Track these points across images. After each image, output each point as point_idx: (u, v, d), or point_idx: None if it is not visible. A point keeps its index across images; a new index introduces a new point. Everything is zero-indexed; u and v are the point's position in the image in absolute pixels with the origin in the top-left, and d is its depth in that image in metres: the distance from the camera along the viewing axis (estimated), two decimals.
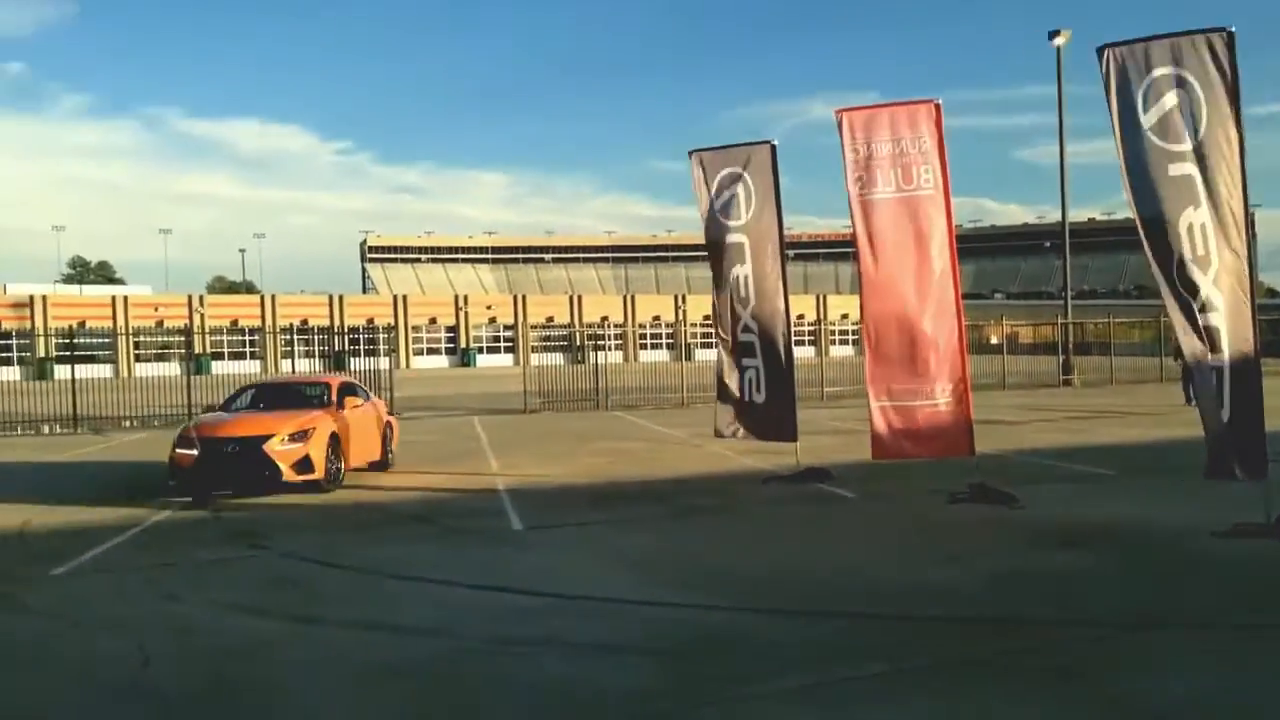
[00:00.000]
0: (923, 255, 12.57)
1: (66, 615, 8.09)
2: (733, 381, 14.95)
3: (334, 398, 15.55)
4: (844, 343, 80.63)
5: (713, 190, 14.90)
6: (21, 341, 71.20)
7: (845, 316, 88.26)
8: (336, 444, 14.40)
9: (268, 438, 13.70)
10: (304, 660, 6.83)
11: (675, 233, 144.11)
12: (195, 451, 13.64)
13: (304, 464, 13.71)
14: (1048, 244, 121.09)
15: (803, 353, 18.65)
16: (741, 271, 14.67)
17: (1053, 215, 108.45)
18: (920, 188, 12.55)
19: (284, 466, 13.55)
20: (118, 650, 7.06)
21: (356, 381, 17.97)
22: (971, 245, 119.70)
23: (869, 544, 10.26)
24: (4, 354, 71.69)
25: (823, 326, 64.62)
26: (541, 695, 6.03)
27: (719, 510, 12.49)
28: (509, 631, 7.34)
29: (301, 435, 13.88)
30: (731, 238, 14.74)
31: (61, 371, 54.10)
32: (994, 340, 43.50)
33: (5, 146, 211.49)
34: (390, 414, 18.06)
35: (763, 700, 5.84)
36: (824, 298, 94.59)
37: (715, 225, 14.96)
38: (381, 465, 16.52)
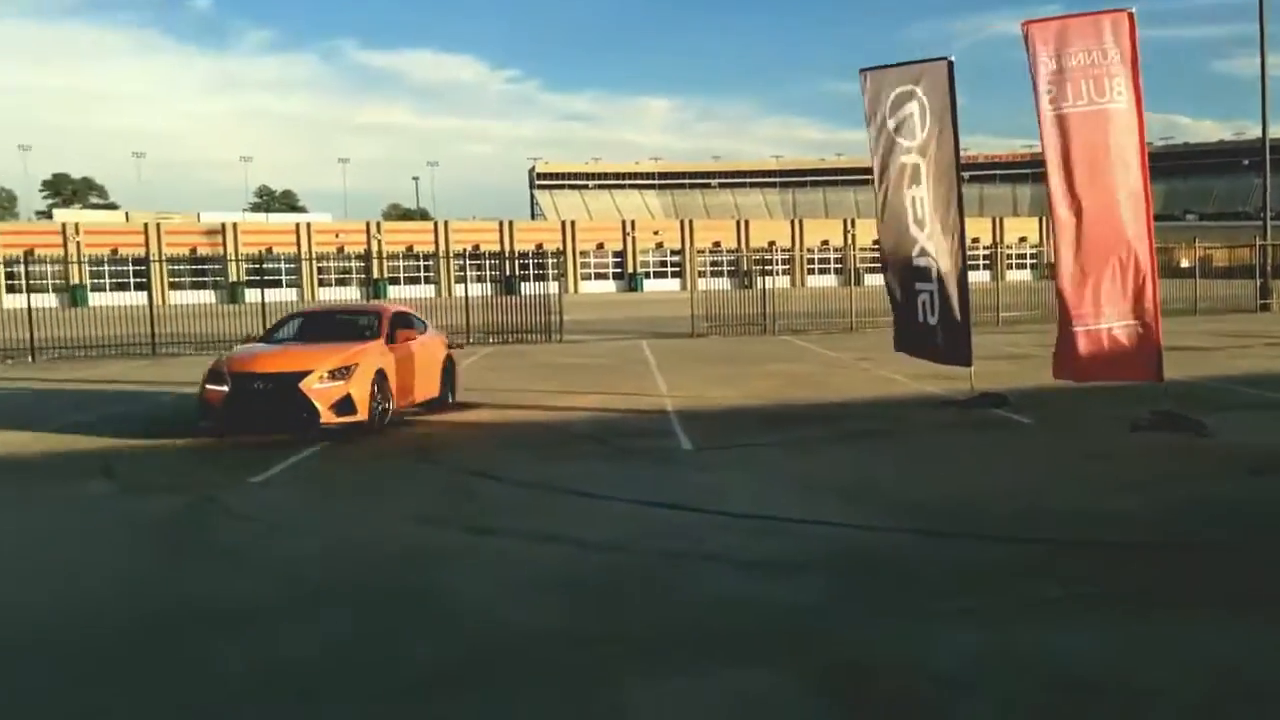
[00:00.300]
0: (1113, 173, 11.94)
1: (264, 520, 8.58)
2: (906, 306, 14.63)
3: (385, 329, 14.01)
4: (1020, 267, 77.84)
5: (885, 110, 14.46)
6: (214, 267, 75.08)
7: (1023, 240, 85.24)
8: (384, 381, 13.04)
9: (304, 374, 12.32)
10: (482, 568, 7.07)
11: (844, 156, 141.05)
12: (226, 388, 12.41)
13: (344, 404, 12.33)
14: (1245, 162, 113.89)
15: (977, 277, 18.09)
16: (915, 194, 14.25)
17: (1251, 131, 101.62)
18: (1112, 101, 11.88)
19: (321, 407, 12.19)
20: (311, 553, 7.45)
21: (412, 311, 16.16)
22: (1163, 164, 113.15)
23: (1045, 470, 9.97)
24: (199, 278, 75.75)
25: (998, 250, 62.48)
26: (714, 609, 6.09)
27: (889, 434, 12.32)
28: (680, 547, 7.43)
29: (343, 372, 12.46)
30: (905, 159, 14.30)
31: (251, 295, 57.05)
32: (1185, 264, 41.24)
33: (197, 82, 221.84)
34: (451, 347, 16.32)
35: (930, 620, 5.77)
36: (1000, 221, 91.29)
37: (888, 146, 14.54)
38: (440, 403, 14.99)
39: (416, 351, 14.39)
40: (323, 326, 14.73)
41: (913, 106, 14.14)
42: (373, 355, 13.08)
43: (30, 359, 25.78)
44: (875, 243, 17.01)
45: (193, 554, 7.66)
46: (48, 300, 40.48)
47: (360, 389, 12.48)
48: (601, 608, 6.19)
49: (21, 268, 30.72)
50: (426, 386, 14.61)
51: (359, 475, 10.52)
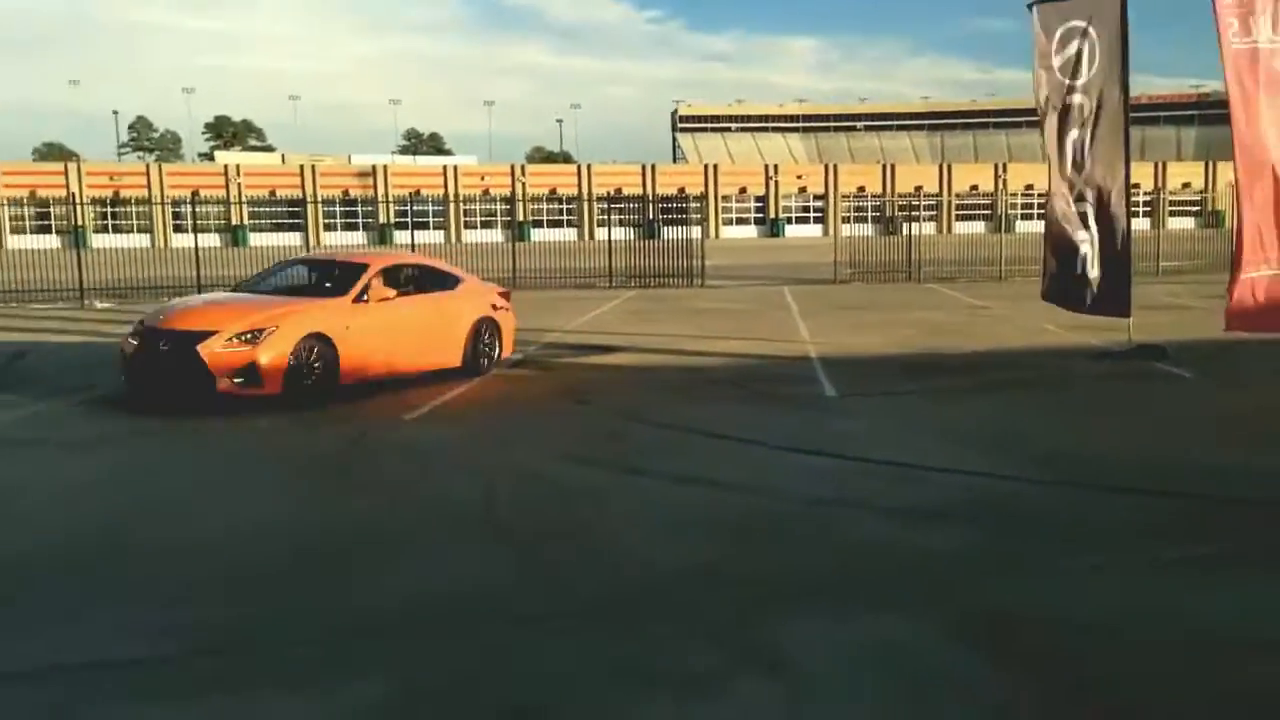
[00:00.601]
0: None
1: (419, 456, 8.91)
2: (1063, 254, 14.19)
3: (356, 286, 11.96)
4: (1182, 215, 74.35)
5: (1052, 46, 13.94)
6: (365, 208, 77.21)
7: (1186, 186, 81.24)
8: (328, 347, 11.16)
9: (205, 335, 10.75)
10: (629, 507, 7.24)
11: (996, 97, 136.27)
12: (135, 345, 11.25)
13: (248, 373, 10.66)
14: None
15: (1137, 225, 17.35)
16: (1079, 136, 13.75)
17: None
18: None
19: (218, 375, 10.61)
20: (466, 490, 7.72)
21: (430, 262, 14.25)
22: None
23: (1203, 425, 9.65)
24: (350, 219, 78.07)
25: (1160, 196, 59.76)
26: (855, 554, 6.13)
27: (1039, 384, 12.05)
28: (822, 493, 7.47)
29: (253, 336, 10.75)
30: (1070, 99, 13.79)
31: (401, 236, 58.53)
32: None
33: (349, 26, 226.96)
34: (500, 306, 13.75)
35: (1073, 575, 5.73)
36: (1163, 165, 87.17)
37: (1052, 85, 14.03)
38: (470, 371, 12.91)
39: (410, 313, 12.46)
40: (303, 277, 13.09)
41: (1081, 43, 13.60)
42: (308, 317, 11.26)
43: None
44: (1028, 188, 16.44)
45: (350, 489, 8.01)
46: (211, 240, 42.32)
47: (273, 355, 10.72)
48: (743, 549, 6.28)
49: (188, 208, 32.09)
50: (429, 354, 12.54)
51: (509, 414, 10.81)
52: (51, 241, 57.02)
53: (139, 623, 5.13)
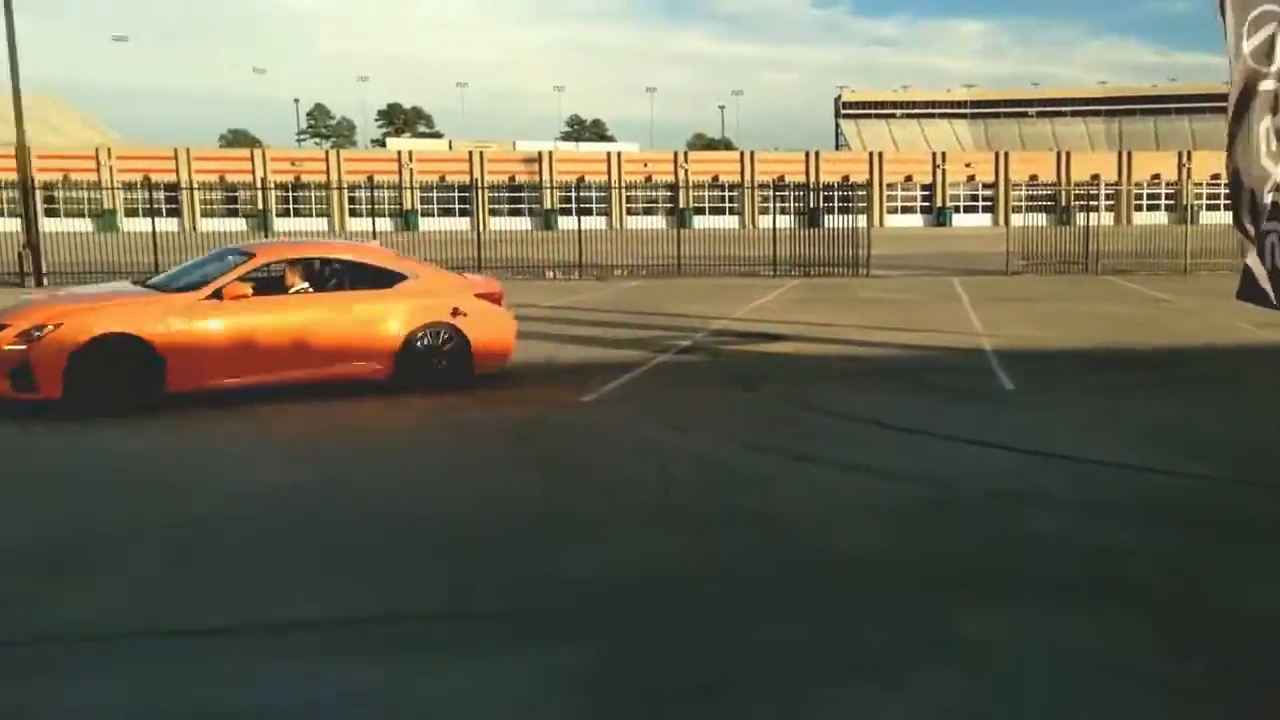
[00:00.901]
0: None
1: (596, 437, 9.14)
2: (1256, 246, 13.52)
3: (216, 283, 10.59)
4: None
5: (1244, 29, 13.27)
6: (530, 194, 78.72)
7: None
8: (143, 350, 9.95)
9: None
10: (801, 493, 7.30)
11: (1179, 81, 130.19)
12: None
13: (19, 374, 9.73)
14: None
15: None
16: (1272, 124, 13.06)
17: None
18: None
19: None
20: (642, 472, 7.89)
21: (363, 256, 11.81)
22: None
23: None
24: (516, 205, 79.72)
25: None
26: (1033, 547, 6.05)
27: (1225, 382, 11.59)
28: (997, 486, 7.37)
29: (33, 334, 9.77)
30: (1263, 85, 13.10)
31: (564, 222, 59.52)
32: None
33: (516, 14, 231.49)
34: (462, 311, 11.29)
35: (1260, 579, 5.54)
36: None
37: (1243, 70, 13.35)
38: (405, 385, 10.94)
39: (292, 314, 10.82)
40: (199, 271, 11.38)
41: (1276, 29, 12.92)
42: (104, 314, 10.12)
43: None
44: (1215, 177, 15.73)
45: (532, 467, 8.27)
46: (385, 224, 43.88)
47: (49, 356, 9.70)
48: (919, 538, 6.28)
49: (363, 193, 33.36)
50: (327, 361, 10.83)
51: (681, 399, 10.93)
52: (238, 224, 60.03)
53: (364, 586, 5.47)
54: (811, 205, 40.61)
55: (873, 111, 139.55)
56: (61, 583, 5.48)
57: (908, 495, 7.22)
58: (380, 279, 11.37)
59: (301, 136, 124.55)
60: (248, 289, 10.61)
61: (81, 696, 4.25)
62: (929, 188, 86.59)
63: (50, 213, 50.92)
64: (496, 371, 11.56)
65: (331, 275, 11.43)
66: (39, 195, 30.36)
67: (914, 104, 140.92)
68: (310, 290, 11.12)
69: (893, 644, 4.71)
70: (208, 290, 10.48)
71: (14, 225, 39.62)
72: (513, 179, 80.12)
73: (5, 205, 49.03)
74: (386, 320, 11.04)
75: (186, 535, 6.29)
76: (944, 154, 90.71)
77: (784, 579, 5.60)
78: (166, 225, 30.78)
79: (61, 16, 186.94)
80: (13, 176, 28.42)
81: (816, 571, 5.70)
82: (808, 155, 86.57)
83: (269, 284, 11.09)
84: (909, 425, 9.30)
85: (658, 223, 50.79)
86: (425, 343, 11.11)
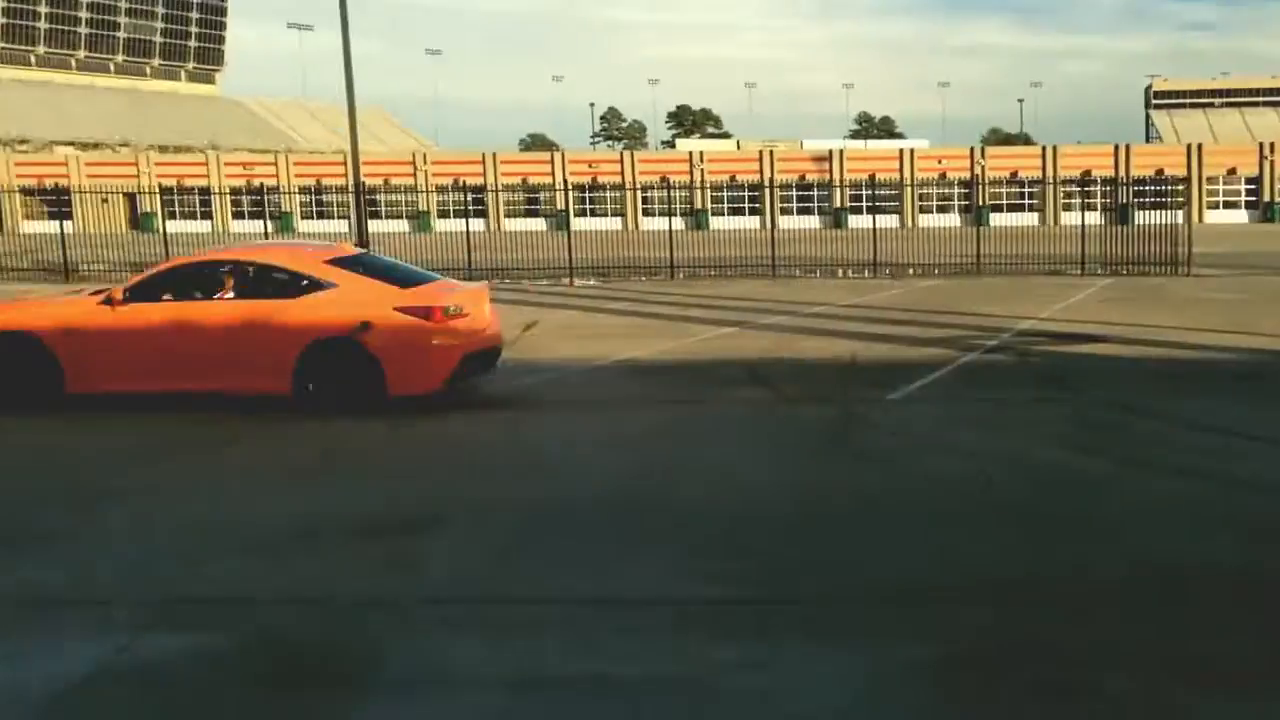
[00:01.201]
0: None
1: (908, 434, 9.09)
2: None
3: (121, 289, 10.52)
4: None
5: None
6: (820, 193, 78.24)
7: None
8: (37, 350, 10.14)
9: None
10: (1136, 499, 7.01)
11: None
12: None
13: None
14: None
15: None
16: None
17: None
18: None
19: None
20: (960, 469, 7.78)
21: (280, 260, 10.80)
22: None
23: None
24: (805, 203, 79.41)
25: None
26: None
27: None
28: None
29: None
30: None
31: (853, 220, 58.91)
32: None
33: (803, 13, 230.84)
34: (381, 324, 9.90)
35: None
36: None
37: None
38: (301, 407, 9.87)
39: (178, 324, 10.24)
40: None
41: None
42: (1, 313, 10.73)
43: (669, 276, 28.76)
44: None
45: (845, 461, 8.32)
46: (677, 224, 44.86)
47: None
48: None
49: (655, 193, 34.21)
50: (218, 374, 10.05)
51: (989, 398, 10.66)
52: (538, 224, 62.93)
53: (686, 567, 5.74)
54: (1121, 201, 38.40)
55: (1187, 101, 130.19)
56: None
57: (1258, 505, 6.80)
58: (288, 288, 10.40)
59: (595, 139, 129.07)
60: (119, 294, 10.31)
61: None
62: (1254, 181, 79.77)
63: (373, 215, 55.16)
64: (425, 394, 9.96)
65: (245, 282, 10.55)
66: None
67: (1235, 92, 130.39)
68: (227, 298, 10.43)
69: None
70: (102, 295, 10.48)
71: (342, 226, 43.14)
72: (802, 177, 79.78)
73: (336, 208, 53.53)
74: (283, 333, 10.00)
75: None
76: (1272, 145, 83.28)
77: (1132, 585, 5.45)
78: (474, 225, 32.61)
79: (385, 35, 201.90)
80: (340, 182, 30.93)
81: (1164, 578, 5.50)
82: (1116, 148, 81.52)
83: (184, 290, 10.54)
84: (1249, 431, 8.68)
85: (951, 220, 49.37)
86: (321, 360, 9.90)
